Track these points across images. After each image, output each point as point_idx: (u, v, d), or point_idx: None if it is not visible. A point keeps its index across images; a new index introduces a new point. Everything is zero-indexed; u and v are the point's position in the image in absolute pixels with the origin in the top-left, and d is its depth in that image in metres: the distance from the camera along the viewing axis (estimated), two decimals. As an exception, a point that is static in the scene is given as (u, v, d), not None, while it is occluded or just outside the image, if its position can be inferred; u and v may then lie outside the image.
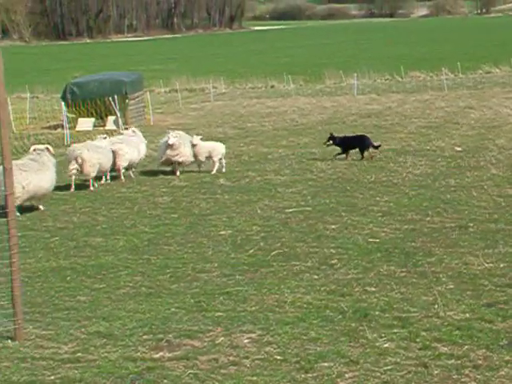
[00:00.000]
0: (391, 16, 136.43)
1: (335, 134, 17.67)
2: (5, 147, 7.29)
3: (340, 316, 7.52)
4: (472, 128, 21.71)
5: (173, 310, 7.99)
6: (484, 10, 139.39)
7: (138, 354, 6.85)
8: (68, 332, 7.46)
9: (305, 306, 7.91)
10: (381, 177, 14.92)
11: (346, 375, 6.19)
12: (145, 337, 7.24)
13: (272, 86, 40.70)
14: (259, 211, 12.58)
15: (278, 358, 6.62)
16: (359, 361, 6.44)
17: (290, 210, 12.53)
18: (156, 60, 64.70)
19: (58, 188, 15.30)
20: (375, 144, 17.11)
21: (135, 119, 26.44)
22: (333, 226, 11.31)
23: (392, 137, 20.71)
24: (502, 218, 11.36)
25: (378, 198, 13.09)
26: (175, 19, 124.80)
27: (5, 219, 7.40)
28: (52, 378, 6.41)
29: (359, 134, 18.64)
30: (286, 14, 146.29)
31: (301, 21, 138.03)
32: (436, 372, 6.25)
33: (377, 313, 7.56)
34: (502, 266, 9.01)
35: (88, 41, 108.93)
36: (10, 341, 7.27)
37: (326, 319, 7.46)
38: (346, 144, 17.25)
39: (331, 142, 17.33)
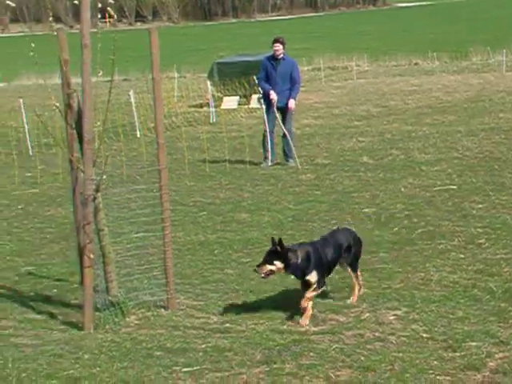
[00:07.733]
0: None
1: None
2: (159, 123, 7.58)
3: (488, 296, 7.37)
4: None
5: (318, 285, 8.05)
6: None
7: (285, 326, 6.99)
8: (217, 303, 7.69)
9: (451, 284, 7.80)
10: (532, 156, 14.46)
11: (496, 355, 6.05)
12: (291, 310, 7.35)
13: (416, 64, 39.98)
14: (403, 189, 12.47)
15: (425, 335, 6.56)
16: (510, 342, 6.28)
17: (435, 189, 12.34)
18: (299, 38, 64.75)
19: (202, 165, 15.74)
20: None
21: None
22: (480, 206, 11.06)
23: (543, 115, 19.96)
24: None
25: (527, 178, 12.69)
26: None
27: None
28: (203, 346, 6.63)
29: None
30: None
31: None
32: None
33: (527, 294, 7.36)
34: None
35: (233, 20, 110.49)
36: (163, 309, 7.58)
37: (474, 299, 7.33)
38: None
39: None
